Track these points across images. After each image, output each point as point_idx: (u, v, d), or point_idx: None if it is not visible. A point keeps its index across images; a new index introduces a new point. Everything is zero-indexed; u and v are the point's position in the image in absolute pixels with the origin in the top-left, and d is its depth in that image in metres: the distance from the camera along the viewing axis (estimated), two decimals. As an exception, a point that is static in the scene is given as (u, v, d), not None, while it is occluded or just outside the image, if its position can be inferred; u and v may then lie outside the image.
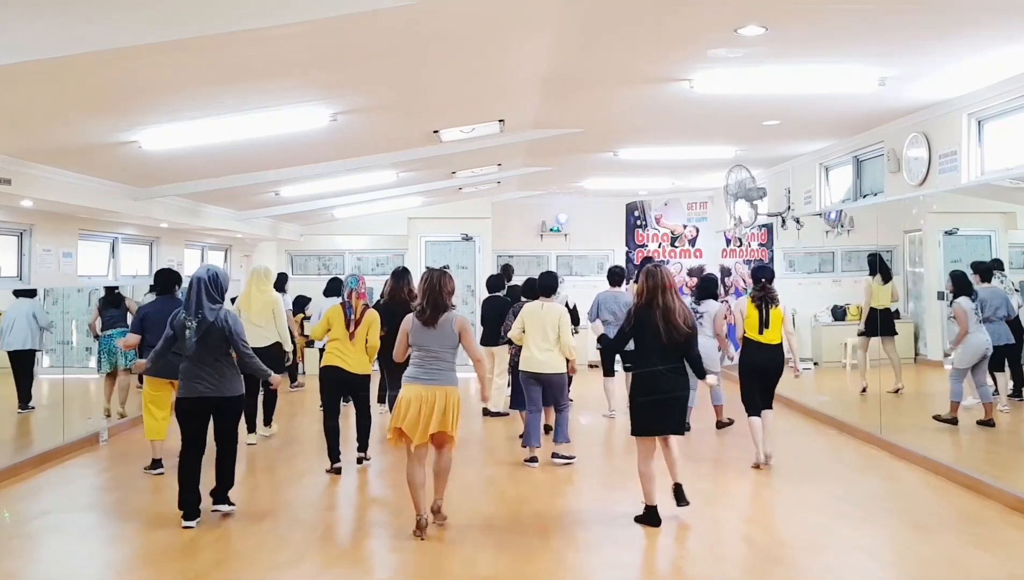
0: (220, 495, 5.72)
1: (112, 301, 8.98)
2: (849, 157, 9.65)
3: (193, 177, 8.49)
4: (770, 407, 6.96)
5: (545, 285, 7.35)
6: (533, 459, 7.12)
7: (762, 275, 7.08)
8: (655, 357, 5.39)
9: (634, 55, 6.03)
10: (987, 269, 8.11)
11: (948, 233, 9.56)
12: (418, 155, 8.69)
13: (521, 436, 7.52)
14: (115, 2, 3.93)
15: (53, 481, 6.78)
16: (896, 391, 9.31)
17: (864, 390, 9.43)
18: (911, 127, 7.97)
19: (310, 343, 12.94)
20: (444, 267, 5.56)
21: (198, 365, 5.49)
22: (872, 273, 9.75)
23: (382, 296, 8.39)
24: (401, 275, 8.31)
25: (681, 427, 5.55)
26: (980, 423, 7.76)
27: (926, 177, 7.76)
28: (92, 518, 5.91)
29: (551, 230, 14.82)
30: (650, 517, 5.48)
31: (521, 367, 7.22)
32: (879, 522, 5.59)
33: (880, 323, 9.48)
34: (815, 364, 11.70)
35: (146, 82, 5.02)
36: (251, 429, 7.98)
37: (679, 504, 5.53)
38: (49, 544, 5.33)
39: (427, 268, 5.50)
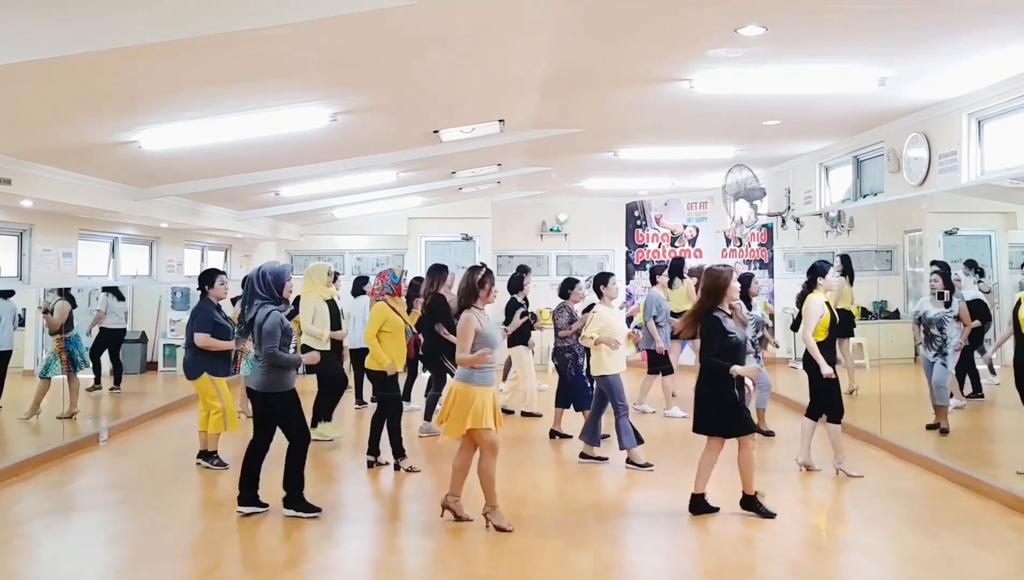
0: (242, 495, 5.71)
1: (75, 303, 8.93)
2: (849, 157, 9.65)
3: (193, 177, 8.50)
4: (807, 414, 6.73)
5: (593, 287, 7.40)
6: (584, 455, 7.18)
7: (810, 274, 6.74)
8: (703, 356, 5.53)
9: (634, 55, 6.03)
10: (948, 270, 8.21)
11: (948, 233, 9.56)
12: (418, 155, 8.70)
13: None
14: (115, 2, 3.94)
15: (53, 481, 6.78)
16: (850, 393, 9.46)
17: (852, 392, 9.53)
18: (911, 127, 7.97)
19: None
20: (480, 265, 5.57)
21: (256, 359, 5.70)
22: (843, 273, 9.91)
23: (422, 294, 8.54)
24: (433, 272, 8.41)
25: (703, 427, 5.54)
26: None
27: (926, 177, 7.76)
28: (92, 518, 5.90)
29: (551, 230, 14.82)
30: (749, 506, 5.57)
31: None
32: (879, 522, 5.59)
33: (841, 324, 9.64)
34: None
35: (146, 82, 5.03)
36: (327, 418, 8.10)
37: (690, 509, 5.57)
38: (49, 544, 5.33)
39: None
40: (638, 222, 14.91)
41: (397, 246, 14.51)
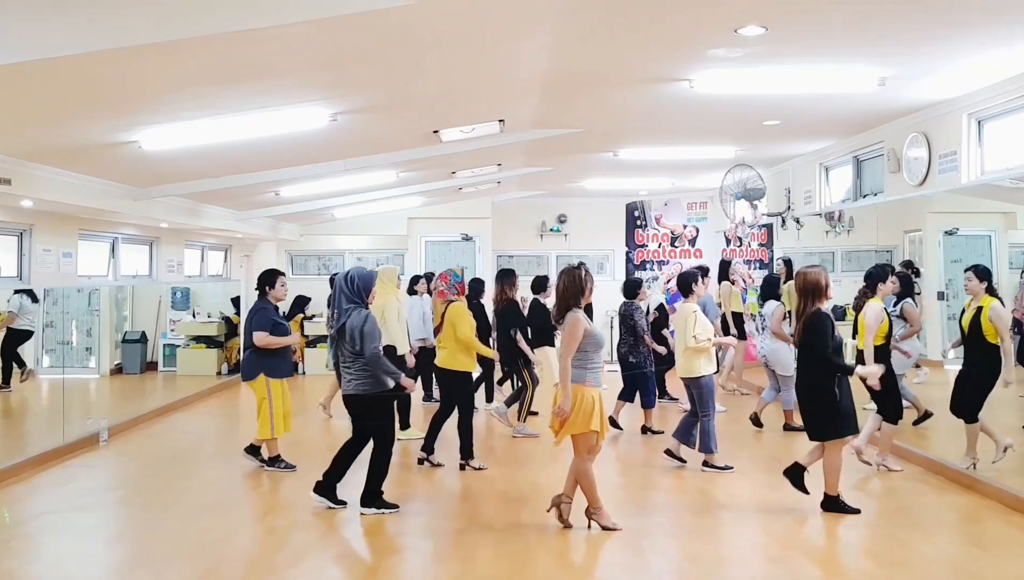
0: (364, 497, 5.74)
1: None
2: (849, 157, 9.65)
3: (193, 177, 8.49)
4: (879, 413, 6.76)
5: (680, 284, 7.34)
6: (670, 453, 7.06)
7: (868, 279, 6.87)
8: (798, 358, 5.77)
9: (634, 55, 6.03)
10: (889, 272, 8.26)
11: (948, 233, 9.56)
12: (418, 155, 8.69)
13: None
14: (115, 2, 3.93)
15: (53, 481, 6.78)
16: None
17: None
18: (911, 127, 7.97)
19: (311, 343, 13.02)
20: (579, 265, 5.53)
21: (342, 363, 5.72)
22: (788, 277, 10.00)
23: (493, 301, 8.70)
24: (503, 277, 8.52)
25: (812, 433, 5.68)
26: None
27: (926, 177, 7.76)
28: (92, 518, 5.90)
29: (551, 230, 14.82)
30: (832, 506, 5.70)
31: None
32: (879, 522, 5.59)
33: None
34: None
35: (146, 82, 5.02)
36: (403, 426, 8.04)
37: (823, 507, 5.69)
38: (49, 544, 5.33)
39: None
40: (638, 222, 14.91)
41: (397, 246, 14.50)
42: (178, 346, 12.58)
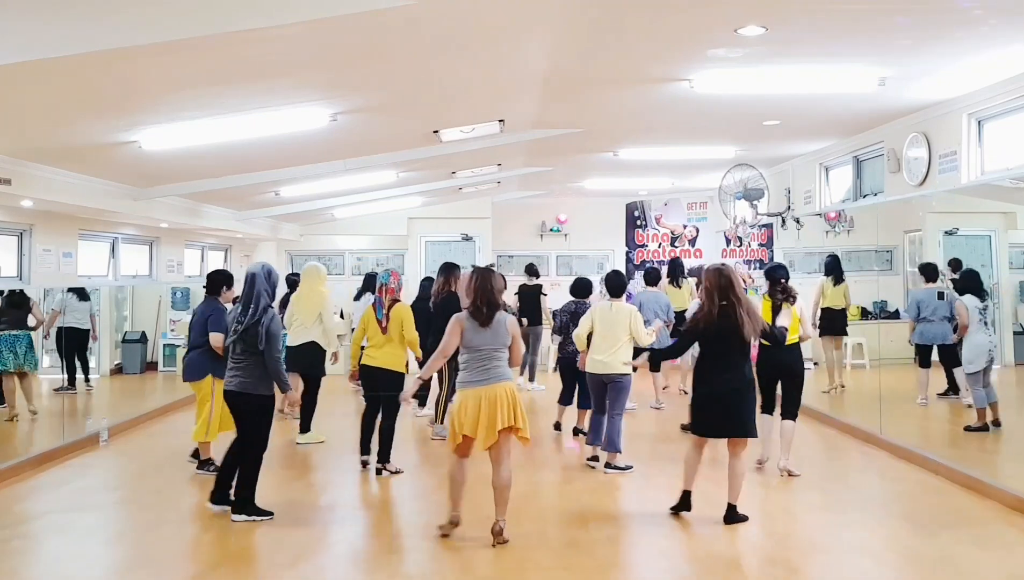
0: (236, 505, 5.58)
1: (15, 302, 8.73)
2: (849, 157, 9.66)
3: (193, 177, 8.50)
4: (787, 416, 6.66)
5: (615, 285, 7.25)
6: (595, 458, 7.05)
7: (783, 277, 6.82)
8: (713, 354, 5.51)
9: (634, 55, 6.04)
10: (933, 270, 8.36)
11: (948, 233, 9.57)
12: (418, 155, 8.70)
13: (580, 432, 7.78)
14: (115, 2, 3.94)
15: (53, 481, 6.78)
16: (830, 391, 9.81)
17: (827, 391, 9.85)
18: (911, 127, 7.97)
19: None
20: (491, 265, 5.58)
21: (234, 359, 5.59)
22: (827, 274, 9.93)
23: (432, 293, 8.52)
24: (447, 270, 8.39)
25: (740, 430, 5.49)
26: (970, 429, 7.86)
27: (926, 177, 7.76)
28: (92, 518, 5.90)
29: (551, 230, 14.82)
30: (682, 502, 5.58)
31: (588, 369, 7.08)
32: (879, 522, 5.59)
33: (830, 322, 9.83)
34: (815, 364, 11.71)
35: (146, 82, 5.03)
36: (304, 429, 8.04)
37: (727, 522, 5.46)
38: (49, 544, 5.33)
39: (473, 267, 5.57)
40: (638, 222, 14.92)
41: (397, 246, 14.50)
42: (178, 346, 12.56)
